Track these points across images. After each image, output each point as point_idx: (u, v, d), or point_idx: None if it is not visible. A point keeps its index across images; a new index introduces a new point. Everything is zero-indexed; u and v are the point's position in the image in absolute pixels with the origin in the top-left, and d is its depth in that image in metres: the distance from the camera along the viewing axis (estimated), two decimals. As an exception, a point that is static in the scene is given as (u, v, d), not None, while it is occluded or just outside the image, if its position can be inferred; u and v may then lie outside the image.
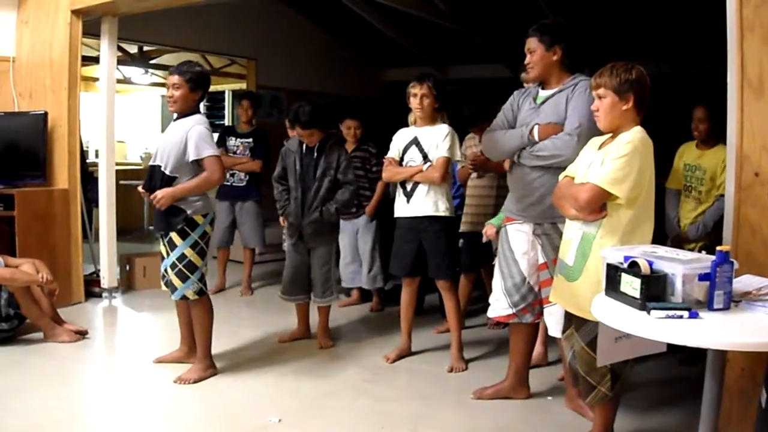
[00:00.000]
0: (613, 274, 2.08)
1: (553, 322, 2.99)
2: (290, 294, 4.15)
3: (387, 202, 4.70)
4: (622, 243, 2.35)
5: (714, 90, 3.01)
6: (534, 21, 3.03)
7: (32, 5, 5.08)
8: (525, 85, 3.33)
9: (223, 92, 8.93)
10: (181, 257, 3.36)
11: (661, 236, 2.50)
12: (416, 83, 3.62)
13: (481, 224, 4.20)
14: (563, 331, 2.74)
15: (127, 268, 5.47)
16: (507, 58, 7.48)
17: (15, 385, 3.33)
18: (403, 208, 3.74)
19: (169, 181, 3.34)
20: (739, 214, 2.58)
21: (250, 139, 5.39)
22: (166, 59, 8.42)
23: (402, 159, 3.73)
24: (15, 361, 3.70)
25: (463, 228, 4.32)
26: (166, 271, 3.47)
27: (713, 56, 3.30)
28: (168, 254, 3.42)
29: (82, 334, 4.13)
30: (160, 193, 3.30)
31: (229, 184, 5.22)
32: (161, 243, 3.49)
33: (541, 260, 3.02)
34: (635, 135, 2.37)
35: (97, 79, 6.10)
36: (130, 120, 11.14)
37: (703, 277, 1.91)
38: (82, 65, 5.05)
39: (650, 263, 2.00)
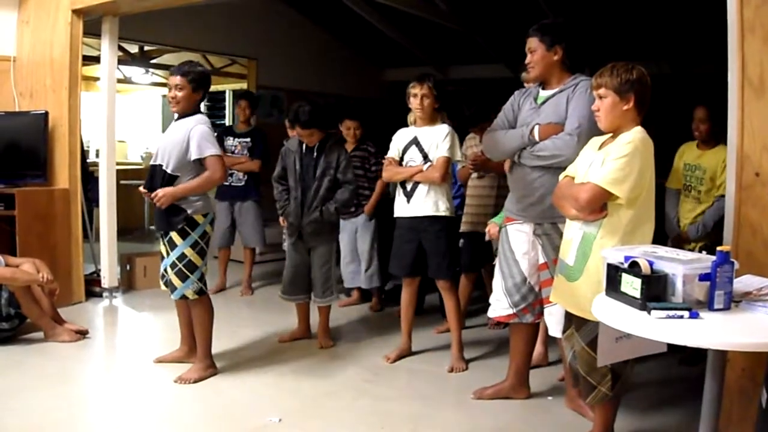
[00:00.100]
0: (613, 274, 2.08)
1: (553, 322, 2.99)
2: (290, 294, 4.15)
3: (386, 201, 4.70)
4: (622, 243, 2.35)
5: (714, 90, 3.01)
6: (534, 21, 3.03)
7: (33, 5, 5.08)
8: (525, 85, 3.33)
9: (223, 92, 8.93)
10: (181, 257, 3.37)
11: (661, 236, 2.49)
12: (416, 83, 3.62)
13: (481, 224, 4.21)
14: (563, 331, 2.74)
15: (128, 267, 5.47)
16: (507, 58, 7.48)
17: (15, 385, 3.33)
18: (403, 208, 3.74)
19: (171, 180, 3.34)
20: (740, 214, 2.58)
21: (248, 139, 5.39)
22: (166, 59, 8.42)
23: (402, 159, 3.73)
24: (15, 360, 3.70)
25: (463, 228, 4.32)
26: (165, 270, 3.47)
27: (714, 56, 3.30)
28: (168, 254, 3.42)
29: (82, 334, 4.13)
30: (161, 192, 3.30)
31: (228, 184, 5.23)
32: (161, 242, 3.49)
33: (542, 260, 3.02)
34: (636, 135, 2.37)
35: (97, 79, 6.10)
36: (130, 120, 11.14)
37: (703, 278, 1.91)
38: (83, 65, 5.04)
39: (651, 263, 2.00)
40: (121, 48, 6.80)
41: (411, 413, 3.14)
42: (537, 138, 2.91)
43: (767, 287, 2.04)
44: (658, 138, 2.47)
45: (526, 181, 3.00)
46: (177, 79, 3.35)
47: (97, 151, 6.29)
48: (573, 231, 2.55)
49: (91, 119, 6.31)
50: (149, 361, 3.71)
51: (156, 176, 3.38)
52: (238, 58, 8.12)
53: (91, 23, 5.04)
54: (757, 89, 2.51)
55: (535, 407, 3.21)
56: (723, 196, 3.45)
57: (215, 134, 3.45)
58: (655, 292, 1.94)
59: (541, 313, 3.10)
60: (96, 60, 5.42)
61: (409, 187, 3.70)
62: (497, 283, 3.19)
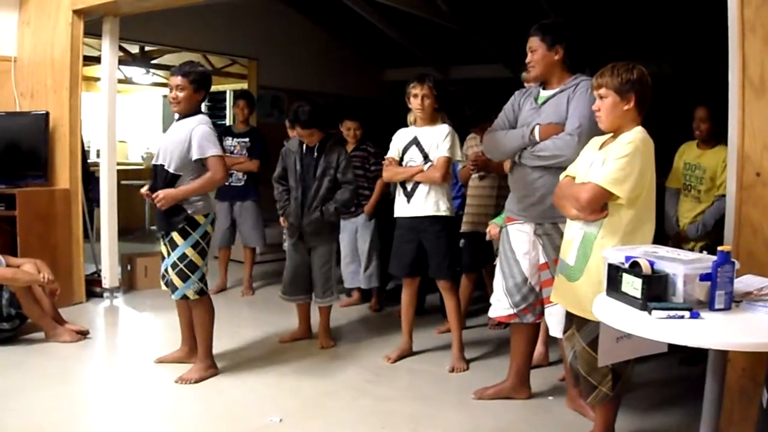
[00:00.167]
0: (614, 274, 2.08)
1: (554, 322, 2.99)
2: (291, 294, 4.15)
3: (386, 201, 4.70)
4: (623, 243, 2.35)
5: (715, 90, 3.01)
6: (535, 21, 3.03)
7: (34, 5, 5.08)
8: (526, 84, 3.33)
9: (224, 92, 8.93)
10: (182, 257, 3.37)
11: (660, 235, 2.49)
12: (417, 83, 3.61)
13: (482, 224, 4.22)
14: (564, 331, 2.74)
15: (129, 268, 5.48)
16: (508, 58, 7.48)
17: (16, 385, 3.34)
18: (403, 208, 3.74)
19: (173, 180, 3.34)
20: (741, 214, 2.58)
21: (247, 139, 5.40)
22: (167, 59, 8.42)
23: (402, 159, 3.73)
24: (16, 360, 3.70)
25: (464, 228, 4.32)
26: (166, 270, 3.47)
27: (714, 56, 3.30)
28: (169, 254, 3.42)
29: (83, 334, 4.13)
30: (161, 194, 3.30)
31: (227, 184, 5.22)
32: (162, 243, 3.49)
33: (542, 260, 3.02)
34: (636, 135, 2.37)
35: (98, 79, 6.11)
36: (131, 120, 11.14)
37: (704, 278, 1.91)
38: (84, 65, 5.04)
39: (651, 263, 2.00)
40: (121, 48, 6.80)
41: (412, 413, 3.14)
42: (537, 138, 2.91)
43: (768, 287, 2.04)
44: (658, 138, 2.47)
45: (527, 181, 3.00)
46: (178, 80, 3.36)
47: (98, 151, 6.30)
48: (573, 231, 2.55)
49: (92, 119, 6.32)
50: (150, 362, 3.71)
51: (159, 176, 3.39)
52: (238, 58, 8.12)
53: (91, 23, 5.04)
54: (757, 89, 2.51)
55: (536, 407, 3.21)
56: (723, 195, 3.46)
57: (216, 134, 3.45)
58: (656, 292, 1.94)
59: (542, 313, 3.10)
60: (97, 60, 5.42)
61: (409, 187, 3.70)
62: (498, 283, 3.19)
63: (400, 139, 3.77)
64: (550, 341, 3.62)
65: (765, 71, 2.49)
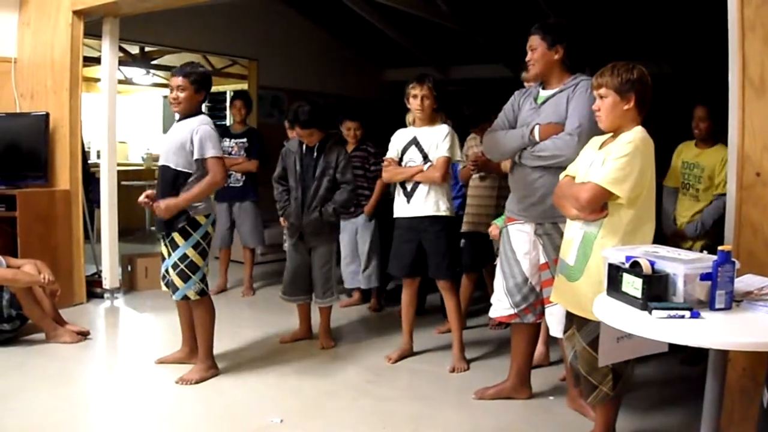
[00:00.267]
0: (614, 274, 2.08)
1: (554, 322, 2.99)
2: (291, 294, 4.15)
3: (386, 201, 4.70)
4: (623, 243, 2.35)
5: (715, 90, 3.01)
6: (535, 21, 3.03)
7: (33, 6, 5.08)
8: (525, 84, 3.33)
9: (224, 93, 8.93)
10: (183, 257, 3.37)
11: (658, 234, 2.49)
12: (416, 84, 3.61)
13: (482, 224, 4.22)
14: (565, 331, 2.74)
15: (129, 268, 5.48)
16: (507, 58, 7.48)
17: (16, 386, 3.34)
18: (403, 209, 3.74)
19: (179, 178, 3.34)
20: (741, 213, 2.58)
21: (245, 139, 5.39)
22: (167, 60, 8.42)
23: (401, 159, 3.73)
24: (17, 361, 3.70)
25: (464, 228, 4.32)
26: (167, 271, 3.47)
27: (714, 56, 3.30)
28: (169, 254, 3.43)
29: (83, 335, 4.13)
30: (162, 204, 3.30)
31: (226, 184, 5.21)
32: (162, 243, 3.49)
33: (543, 260, 3.02)
34: (636, 135, 2.37)
35: (98, 80, 6.11)
36: (131, 121, 11.15)
37: (704, 277, 1.91)
38: (84, 66, 5.05)
39: (652, 263, 2.00)
40: (121, 49, 6.80)
41: (412, 413, 3.14)
42: (537, 138, 2.91)
43: (768, 287, 2.04)
44: (658, 137, 2.47)
45: (527, 181, 3.00)
46: (179, 80, 3.36)
47: (98, 152, 6.30)
48: (573, 231, 2.55)
49: (92, 120, 6.32)
50: (150, 362, 3.71)
51: (165, 177, 3.39)
52: (238, 58, 8.12)
53: (91, 24, 5.04)
54: (757, 89, 2.51)
55: (537, 407, 3.21)
56: (722, 194, 3.50)
57: (218, 135, 3.45)
58: (656, 291, 1.94)
59: (543, 313, 3.10)
60: (97, 61, 5.42)
61: (409, 187, 3.70)
62: (498, 283, 3.19)
63: (399, 139, 3.77)
64: (551, 341, 3.62)
65: (765, 71, 2.49)
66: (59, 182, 4.94)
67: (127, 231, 7.40)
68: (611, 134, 2.49)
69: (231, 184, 5.28)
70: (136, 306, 5.07)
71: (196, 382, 3.42)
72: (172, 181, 3.36)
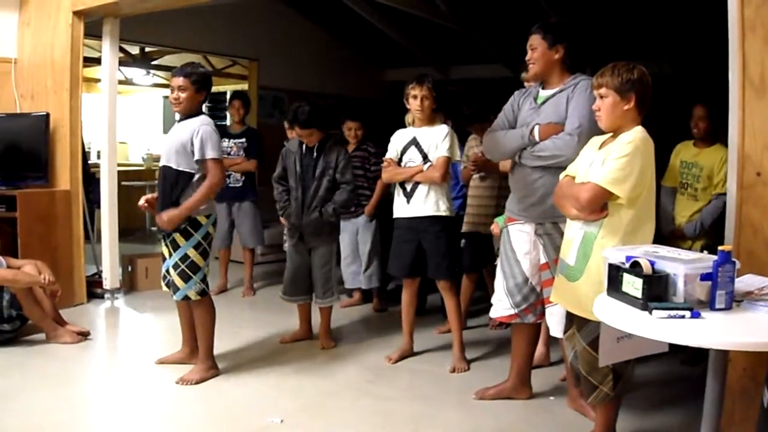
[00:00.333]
0: (614, 274, 2.08)
1: (554, 322, 2.99)
2: (291, 294, 4.15)
3: (387, 202, 4.69)
4: (623, 243, 2.35)
5: (715, 90, 3.01)
6: (535, 21, 3.03)
7: (34, 6, 5.08)
8: (525, 84, 3.33)
9: (224, 93, 8.94)
10: (184, 257, 3.37)
11: (657, 233, 2.50)
12: (416, 84, 3.61)
13: (482, 224, 4.22)
14: (565, 331, 2.74)
15: (129, 269, 5.48)
16: (507, 58, 7.49)
17: (16, 386, 3.34)
18: (402, 209, 3.74)
19: (182, 178, 3.35)
20: (741, 213, 2.58)
21: (243, 139, 5.40)
22: (167, 60, 8.43)
23: (400, 160, 3.73)
24: (17, 362, 3.70)
25: (464, 228, 4.32)
26: (168, 271, 3.47)
27: (714, 56, 3.30)
28: (170, 255, 3.43)
29: (84, 335, 4.13)
30: (165, 216, 3.30)
31: (225, 185, 5.21)
32: (163, 244, 3.49)
33: (543, 260, 3.02)
34: (636, 135, 2.37)
35: (98, 80, 6.11)
36: (131, 121, 11.15)
37: (704, 277, 1.91)
38: (84, 66, 5.05)
39: (652, 263, 2.00)
40: (122, 49, 6.80)
41: (413, 413, 3.14)
42: (537, 138, 2.91)
43: (769, 287, 2.04)
44: (658, 138, 2.47)
45: (527, 182, 3.00)
46: (179, 81, 3.36)
47: (99, 152, 6.30)
48: (574, 231, 2.54)
49: (92, 121, 6.33)
50: (151, 363, 3.71)
51: (167, 177, 3.39)
52: (239, 59, 8.13)
53: (92, 24, 5.04)
54: (758, 89, 2.51)
55: (537, 407, 3.21)
56: (720, 194, 3.52)
57: (219, 136, 3.46)
58: (657, 292, 1.94)
59: (543, 314, 3.09)
60: (97, 61, 5.42)
61: (408, 187, 3.69)
62: (499, 283, 3.19)
63: (398, 139, 3.77)
64: (551, 341, 3.62)
65: (765, 71, 2.48)
66: (59, 182, 4.94)
67: (128, 231, 7.40)
68: (611, 134, 2.49)
69: (230, 185, 5.28)
70: (137, 306, 5.07)
71: (197, 383, 3.42)
72: (174, 181, 3.36)
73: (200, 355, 3.50)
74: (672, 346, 2.10)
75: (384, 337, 4.30)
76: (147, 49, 8.21)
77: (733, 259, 1.92)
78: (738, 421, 2.55)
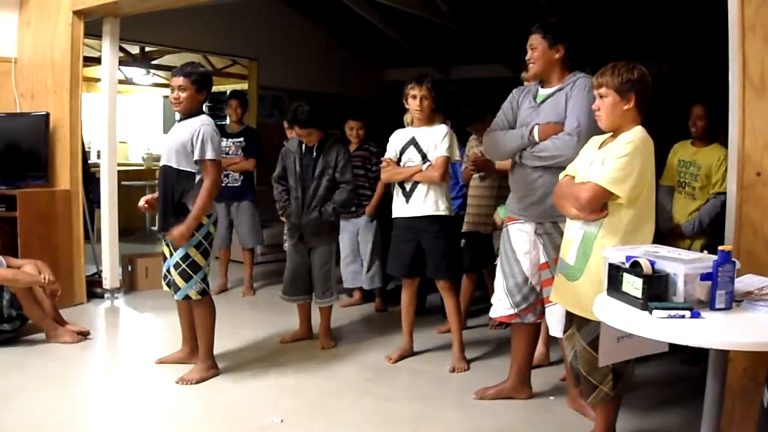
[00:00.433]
0: (614, 274, 2.08)
1: (554, 321, 2.99)
2: (291, 294, 4.15)
3: (388, 202, 4.69)
4: (623, 243, 2.35)
5: (715, 90, 3.01)
6: (535, 21, 3.03)
7: (34, 6, 5.08)
8: (525, 84, 3.33)
9: (225, 93, 8.92)
10: (185, 257, 3.37)
11: (655, 232, 2.50)
12: (415, 85, 3.61)
13: (482, 224, 4.22)
14: (564, 331, 2.74)
15: (129, 268, 5.48)
16: (508, 58, 7.48)
17: (16, 386, 3.34)
18: (401, 209, 3.74)
19: (183, 177, 3.35)
20: (741, 213, 2.58)
21: (241, 139, 5.40)
22: (167, 60, 8.43)
23: (399, 159, 3.73)
24: (17, 361, 3.70)
25: (465, 228, 4.32)
26: (168, 271, 3.47)
27: (715, 56, 3.30)
28: (171, 254, 3.43)
29: (84, 335, 4.13)
30: (176, 234, 3.30)
31: (224, 184, 5.21)
32: (164, 243, 3.49)
33: (543, 259, 3.02)
34: (636, 134, 2.37)
35: (98, 80, 6.11)
36: (131, 121, 11.15)
37: (704, 277, 1.91)
38: (84, 66, 5.05)
39: (652, 263, 2.00)
40: (122, 49, 6.81)
41: (412, 413, 3.14)
42: (537, 138, 2.91)
43: (769, 287, 2.04)
44: (658, 137, 2.47)
45: (527, 181, 3.00)
46: (180, 80, 3.36)
47: (99, 152, 6.30)
48: (573, 230, 2.54)
49: (92, 120, 6.32)
50: (151, 362, 3.71)
51: (168, 176, 3.39)
52: (239, 58, 8.13)
53: (92, 24, 5.04)
54: (758, 89, 2.51)
55: (537, 407, 3.21)
56: (719, 193, 3.53)
57: (219, 137, 3.46)
58: (657, 291, 1.94)
59: (543, 313, 3.09)
60: (97, 61, 5.43)
61: (408, 187, 3.69)
62: (499, 282, 3.19)
63: (397, 139, 3.77)
64: (551, 341, 3.62)
65: (765, 71, 2.49)
66: (59, 182, 4.94)
67: (128, 231, 7.40)
68: (611, 134, 2.49)
69: (229, 184, 5.29)
70: (137, 306, 5.07)
71: (197, 382, 3.42)
72: (174, 180, 3.36)
73: (200, 354, 3.50)
74: (672, 345, 2.10)
75: (384, 336, 4.30)
76: (147, 49, 8.22)
77: (733, 259, 1.92)
78: (738, 421, 2.55)
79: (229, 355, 3.87)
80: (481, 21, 7.10)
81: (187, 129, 3.36)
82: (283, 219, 4.21)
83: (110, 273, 5.12)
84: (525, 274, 3.07)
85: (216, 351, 3.59)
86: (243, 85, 8.23)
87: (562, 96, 2.91)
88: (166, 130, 3.45)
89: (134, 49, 8.20)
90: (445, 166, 3.60)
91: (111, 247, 5.12)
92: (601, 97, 2.46)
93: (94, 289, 5.13)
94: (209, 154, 3.32)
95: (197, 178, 3.36)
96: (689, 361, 3.61)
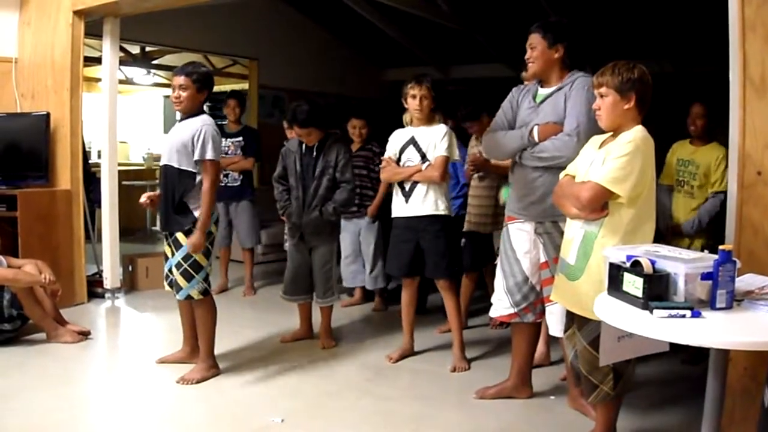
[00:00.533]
0: (615, 274, 2.08)
1: (554, 321, 2.99)
2: (292, 294, 4.15)
3: (390, 202, 4.69)
4: (623, 242, 2.35)
5: (716, 89, 3.01)
6: (535, 20, 3.03)
7: (34, 6, 5.08)
8: (525, 83, 3.32)
9: (225, 92, 8.94)
10: (187, 257, 3.36)
11: (656, 231, 2.50)
12: (415, 84, 3.61)
13: (482, 224, 4.23)
14: (565, 331, 2.74)
15: (130, 268, 5.48)
16: (508, 57, 7.48)
17: (17, 386, 3.34)
18: (401, 208, 3.74)
19: (183, 176, 3.35)
20: (742, 213, 2.58)
21: (240, 138, 5.40)
22: (168, 60, 8.43)
23: (399, 159, 3.73)
24: (17, 361, 3.71)
25: (465, 227, 4.32)
26: (170, 270, 3.47)
27: (715, 55, 3.30)
28: (173, 254, 3.42)
29: (84, 335, 4.13)
30: (191, 247, 3.31)
31: (223, 184, 5.21)
32: (165, 243, 3.49)
33: (543, 259, 3.01)
34: (637, 134, 2.37)
35: (99, 80, 6.12)
36: (132, 120, 11.16)
37: (705, 276, 1.91)
38: (84, 66, 5.05)
39: (653, 262, 2.00)
40: (122, 49, 6.81)
41: (413, 413, 3.14)
42: (536, 139, 2.91)
43: (769, 286, 2.04)
44: (658, 137, 2.47)
45: (527, 180, 2.99)
46: (181, 80, 3.37)
47: (99, 151, 6.31)
48: (574, 230, 2.54)
49: (93, 120, 6.34)
50: (151, 362, 3.71)
51: (169, 176, 3.39)
52: (239, 58, 8.12)
53: (92, 24, 5.04)
54: (758, 88, 2.51)
55: (538, 407, 3.21)
56: (718, 192, 3.54)
57: (220, 137, 3.46)
58: (657, 291, 1.93)
59: (543, 313, 3.09)
60: (97, 61, 5.43)
61: (407, 186, 3.69)
62: (498, 282, 3.19)
63: (397, 139, 3.76)
64: (552, 340, 3.62)
65: (766, 70, 2.49)
66: (60, 182, 4.94)
67: (128, 231, 7.40)
68: (611, 133, 2.49)
69: (228, 184, 5.29)
70: (137, 306, 5.07)
71: (197, 382, 3.42)
72: (176, 180, 3.36)
73: (201, 354, 3.50)
74: (672, 345, 2.10)
75: (384, 336, 4.30)
76: (147, 49, 8.22)
77: (734, 259, 1.92)
78: (738, 420, 2.55)
79: (230, 354, 3.87)
80: (481, 20, 7.10)
81: (188, 129, 3.36)
82: (283, 219, 4.21)
83: (111, 273, 5.12)
84: (525, 273, 3.07)
85: (217, 351, 3.59)
86: (243, 85, 8.23)
87: (561, 96, 2.91)
88: (166, 130, 3.45)
89: (134, 49, 8.21)
90: (445, 165, 3.60)
91: (111, 247, 5.12)
92: (601, 96, 2.46)
93: (94, 288, 5.13)
94: (209, 155, 3.32)
95: (198, 177, 3.36)
96: (690, 360, 3.61)
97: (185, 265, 3.37)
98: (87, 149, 6.54)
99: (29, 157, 4.87)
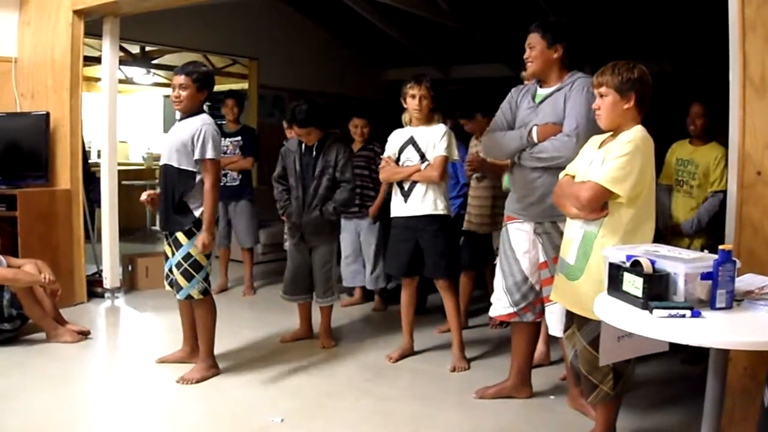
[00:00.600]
0: (615, 273, 2.08)
1: (553, 321, 2.99)
2: (292, 294, 4.15)
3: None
4: (623, 242, 2.35)
5: (716, 89, 3.01)
6: (535, 20, 3.03)
7: (34, 6, 5.08)
8: (525, 83, 3.32)
9: (223, 92, 8.94)
10: (187, 256, 3.37)
11: (655, 231, 2.50)
12: (414, 84, 3.61)
13: (482, 224, 4.22)
14: (565, 330, 2.74)
15: (130, 268, 5.48)
16: (508, 57, 7.48)
17: (17, 386, 3.34)
18: (400, 208, 3.74)
19: (184, 176, 3.35)
20: (741, 212, 2.58)
21: (239, 138, 5.40)
22: (168, 59, 8.43)
23: (398, 159, 3.73)
24: (17, 361, 3.71)
25: (465, 227, 4.32)
26: (170, 270, 3.47)
27: (715, 55, 3.30)
28: (173, 253, 3.42)
29: (84, 335, 4.13)
30: (205, 241, 3.32)
31: (222, 184, 5.20)
32: (165, 242, 3.49)
33: (542, 259, 3.02)
34: (636, 134, 2.37)
35: (99, 80, 6.11)
36: (132, 120, 11.15)
37: (705, 276, 1.91)
38: (84, 65, 5.05)
39: (652, 262, 2.00)
40: (122, 48, 6.81)
41: (413, 413, 3.14)
42: (536, 140, 2.91)
43: (769, 286, 2.04)
44: (658, 137, 2.47)
45: (527, 181, 2.99)
46: (181, 79, 3.37)
47: (99, 151, 6.30)
48: (573, 230, 2.54)
49: (93, 120, 6.33)
50: (151, 362, 3.71)
51: (168, 175, 3.39)
52: (239, 58, 8.12)
53: (92, 24, 5.04)
54: (758, 88, 2.51)
55: (538, 407, 3.21)
56: (717, 192, 3.54)
57: (220, 137, 3.46)
58: (657, 291, 1.93)
59: (542, 312, 3.09)
60: (97, 60, 5.43)
61: (406, 186, 3.69)
62: (498, 282, 3.19)
63: (396, 139, 3.76)
64: (551, 340, 3.62)
65: (766, 70, 2.49)
66: (60, 182, 4.94)
67: (128, 230, 7.41)
68: (611, 133, 2.49)
69: (227, 184, 5.29)
70: (137, 305, 5.07)
71: (197, 382, 3.42)
72: (175, 179, 3.36)
73: (201, 354, 3.50)
74: (672, 345, 2.10)
75: (384, 336, 4.30)
76: (147, 48, 8.22)
77: (734, 259, 1.92)
78: (738, 420, 2.55)
79: (230, 354, 3.87)
80: (481, 20, 7.10)
81: (188, 128, 3.36)
82: (283, 218, 4.21)
83: (110, 272, 5.12)
84: (524, 273, 3.07)
85: (216, 350, 3.59)
86: (243, 85, 8.23)
87: (560, 96, 2.91)
88: (166, 130, 3.44)
89: (134, 49, 8.20)
90: (444, 165, 3.60)
91: (111, 247, 5.12)
92: (601, 96, 2.45)
93: (94, 288, 5.13)
94: (209, 154, 3.32)
95: (198, 177, 3.36)
96: (690, 360, 3.61)
97: (185, 265, 3.37)
98: (87, 149, 6.54)
99: (29, 157, 4.87)
